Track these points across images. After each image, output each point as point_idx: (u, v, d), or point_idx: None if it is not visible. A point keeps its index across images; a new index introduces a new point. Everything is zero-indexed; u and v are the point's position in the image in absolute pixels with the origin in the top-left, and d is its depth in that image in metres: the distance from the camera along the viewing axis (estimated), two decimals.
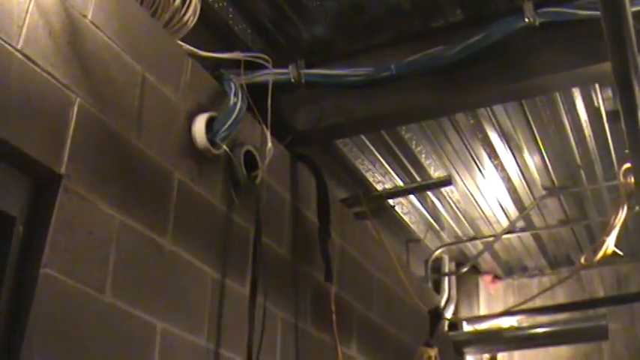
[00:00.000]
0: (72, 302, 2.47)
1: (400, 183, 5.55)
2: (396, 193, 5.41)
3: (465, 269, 6.76)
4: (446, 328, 6.59)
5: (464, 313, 7.10)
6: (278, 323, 3.72)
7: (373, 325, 4.87)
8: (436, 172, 5.52)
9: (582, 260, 4.88)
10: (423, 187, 5.50)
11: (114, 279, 2.67)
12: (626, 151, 3.80)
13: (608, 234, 4.56)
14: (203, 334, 3.12)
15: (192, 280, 3.12)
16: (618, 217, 4.44)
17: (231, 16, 4.01)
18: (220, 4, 3.93)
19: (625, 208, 4.41)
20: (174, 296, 2.98)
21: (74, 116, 2.59)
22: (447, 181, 5.21)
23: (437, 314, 4.60)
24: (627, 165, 4.22)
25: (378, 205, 5.27)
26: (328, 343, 4.14)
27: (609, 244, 4.60)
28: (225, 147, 3.36)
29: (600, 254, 4.62)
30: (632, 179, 4.12)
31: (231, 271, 3.38)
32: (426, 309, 4.97)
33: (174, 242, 3.03)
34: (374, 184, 5.43)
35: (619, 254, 4.79)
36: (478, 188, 5.92)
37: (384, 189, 5.45)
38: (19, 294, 2.36)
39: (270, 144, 3.64)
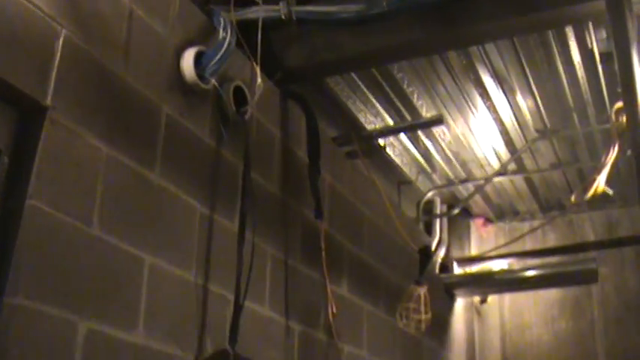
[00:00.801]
0: (59, 234, 2.46)
1: (392, 123, 5.52)
2: (387, 132, 5.38)
3: (456, 211, 6.75)
4: (437, 270, 6.62)
5: (455, 255, 7.12)
6: (267, 260, 3.71)
7: (364, 264, 4.88)
8: (428, 113, 5.49)
9: (572, 198, 4.88)
10: (415, 126, 5.47)
11: (101, 212, 2.66)
12: (619, 89, 3.78)
13: (599, 172, 4.56)
14: (191, 269, 3.12)
15: (180, 214, 3.10)
16: (609, 156, 4.44)
17: None
18: None
19: (616, 147, 4.40)
20: (162, 230, 2.97)
21: (60, 48, 2.56)
22: (438, 120, 5.18)
23: (426, 253, 4.61)
24: (619, 104, 4.20)
25: (369, 144, 5.24)
26: (318, 280, 4.15)
27: (600, 183, 4.60)
28: (214, 82, 3.32)
29: (591, 192, 4.62)
30: (624, 118, 4.10)
31: (220, 206, 3.37)
32: (416, 249, 4.97)
33: (163, 176, 3.01)
34: (365, 124, 5.40)
35: (609, 193, 4.79)
36: (470, 130, 5.90)
37: (375, 129, 5.41)
38: (4, 225, 2.35)
39: (259, 80, 3.60)
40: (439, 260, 6.75)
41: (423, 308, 4.44)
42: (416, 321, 4.50)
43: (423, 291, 4.45)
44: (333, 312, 4.10)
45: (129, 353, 2.72)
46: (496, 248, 6.80)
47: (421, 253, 4.60)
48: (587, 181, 5.01)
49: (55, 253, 2.44)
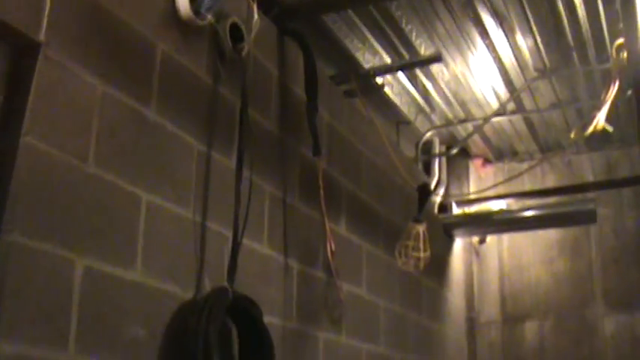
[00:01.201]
0: (54, 171, 2.44)
1: (390, 62, 5.46)
2: (385, 70, 5.32)
3: (455, 150, 6.73)
4: (436, 210, 6.62)
5: (454, 196, 7.11)
6: (265, 198, 3.70)
7: (362, 203, 4.87)
8: (426, 52, 5.43)
9: (572, 134, 4.85)
10: (413, 64, 5.41)
11: (97, 149, 2.64)
12: (620, 27, 3.74)
13: (599, 109, 4.53)
14: (189, 206, 3.11)
15: (177, 151, 3.08)
16: (609, 92, 4.40)
17: None
18: None
19: (616, 84, 4.36)
20: (159, 168, 2.96)
21: None
22: (437, 58, 5.13)
23: (425, 190, 4.58)
24: (620, 40, 4.16)
25: (367, 83, 5.19)
26: (316, 219, 4.14)
27: (599, 119, 4.57)
28: (210, 18, 3.28)
29: (591, 129, 4.59)
30: (625, 55, 4.06)
31: (218, 144, 3.35)
32: (415, 187, 4.94)
33: (159, 113, 2.99)
34: (363, 63, 5.35)
35: (609, 130, 4.76)
36: (469, 69, 5.86)
37: (373, 67, 5.35)
38: (0, 163, 2.33)
39: (256, 16, 3.55)
40: (438, 201, 6.75)
41: (422, 246, 4.44)
42: (415, 259, 4.50)
43: (422, 228, 4.44)
44: (331, 250, 4.10)
45: (127, 291, 2.72)
46: (495, 185, 6.78)
47: (420, 190, 4.57)
48: (587, 118, 4.97)
49: (51, 191, 2.42)
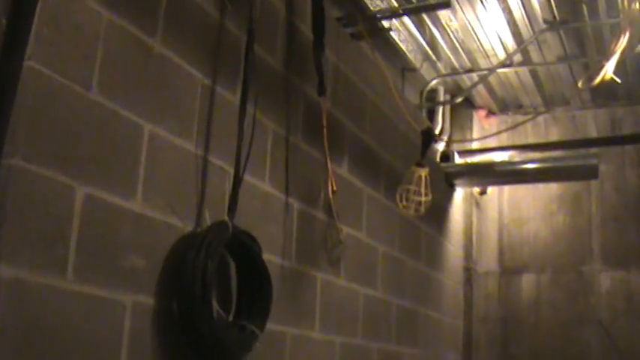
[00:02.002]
0: (57, 98, 2.43)
1: (397, 5, 5.40)
2: (393, 13, 5.24)
3: (459, 99, 6.68)
4: (438, 159, 6.60)
5: (457, 146, 7.08)
6: (268, 135, 3.69)
7: (365, 146, 4.85)
8: None
9: (580, 84, 4.80)
10: (421, 8, 5.33)
11: (101, 77, 2.62)
12: None
13: (607, 60, 4.48)
14: (192, 139, 3.10)
15: (181, 84, 3.06)
16: (619, 43, 4.35)
17: None
18: None
19: (626, 35, 4.31)
20: (163, 99, 2.94)
21: None
22: (446, 4, 5.05)
23: (429, 134, 4.54)
24: None
25: (373, 25, 5.12)
26: (319, 159, 4.13)
27: (608, 70, 4.52)
28: None
29: (598, 78, 4.54)
30: (637, 5, 4.01)
31: (222, 78, 3.32)
32: (419, 130, 4.88)
33: (164, 45, 2.96)
34: (370, 6, 5.28)
35: (616, 81, 4.72)
36: (477, 19, 5.79)
37: (380, 9, 5.28)
38: (3, 86, 2.31)
39: None
40: (440, 149, 6.73)
41: (423, 190, 4.42)
42: (416, 203, 4.48)
43: (424, 173, 4.42)
44: (333, 189, 4.09)
45: (127, 221, 2.72)
46: (498, 133, 6.74)
47: (424, 134, 4.53)
48: (595, 69, 4.92)
49: (53, 117, 2.41)
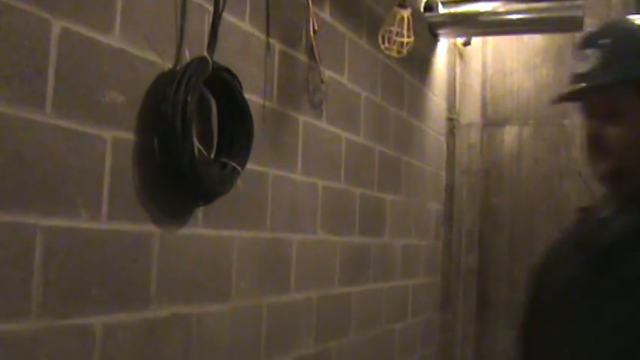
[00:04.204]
0: None
1: None
2: None
3: None
4: (422, 9, 6.52)
5: None
6: None
7: None
8: None
9: None
10: None
11: None
12: None
13: None
14: None
15: None
16: None
17: None
18: None
19: None
20: None
21: None
22: None
23: None
24: None
25: None
26: (300, 1, 4.06)
27: None
28: None
29: None
30: None
31: None
32: None
33: None
34: None
35: None
36: None
37: None
38: None
39: None
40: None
41: (405, 32, 4.38)
42: (398, 44, 4.45)
43: (406, 14, 4.36)
44: (314, 29, 4.04)
45: (105, 56, 2.69)
46: None
47: None
48: None
49: None
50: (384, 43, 4.50)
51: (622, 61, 2.15)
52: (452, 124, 7.26)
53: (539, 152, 7.24)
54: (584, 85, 2.19)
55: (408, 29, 4.37)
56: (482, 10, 6.68)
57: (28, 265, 2.36)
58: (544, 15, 6.47)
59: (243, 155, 3.29)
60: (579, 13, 6.23)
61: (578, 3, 6.49)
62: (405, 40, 4.41)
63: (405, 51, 4.48)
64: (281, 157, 3.94)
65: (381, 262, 5.43)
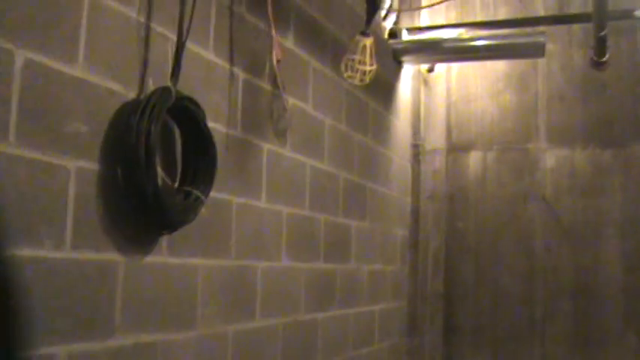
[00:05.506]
0: None
1: None
2: None
3: None
4: (386, 36, 6.59)
5: (405, 22, 7.07)
6: (212, 5, 3.64)
7: (311, 18, 4.80)
8: None
9: None
10: None
11: None
12: None
13: None
14: (134, 4, 3.05)
15: None
16: None
17: None
18: None
19: None
20: None
21: None
22: None
23: (374, 1, 4.48)
24: None
25: None
26: (264, 30, 4.09)
27: None
28: None
29: None
30: None
31: None
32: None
33: None
34: None
35: None
36: None
37: None
38: None
39: None
40: (388, 27, 6.70)
41: (367, 60, 4.42)
42: (361, 72, 4.49)
43: (368, 42, 4.40)
44: (278, 58, 4.07)
45: (69, 86, 2.70)
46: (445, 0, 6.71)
47: (368, 1, 4.48)
48: None
49: None
50: (346, 71, 4.53)
51: None
52: (417, 149, 7.31)
53: (504, 177, 7.31)
54: None
55: (371, 57, 4.41)
56: (445, 37, 6.77)
57: None
58: (507, 41, 6.58)
59: (207, 184, 3.31)
60: (541, 39, 6.33)
61: (540, 30, 6.60)
62: (368, 68, 4.45)
63: (367, 79, 4.51)
64: (245, 185, 3.96)
65: (346, 288, 5.44)
